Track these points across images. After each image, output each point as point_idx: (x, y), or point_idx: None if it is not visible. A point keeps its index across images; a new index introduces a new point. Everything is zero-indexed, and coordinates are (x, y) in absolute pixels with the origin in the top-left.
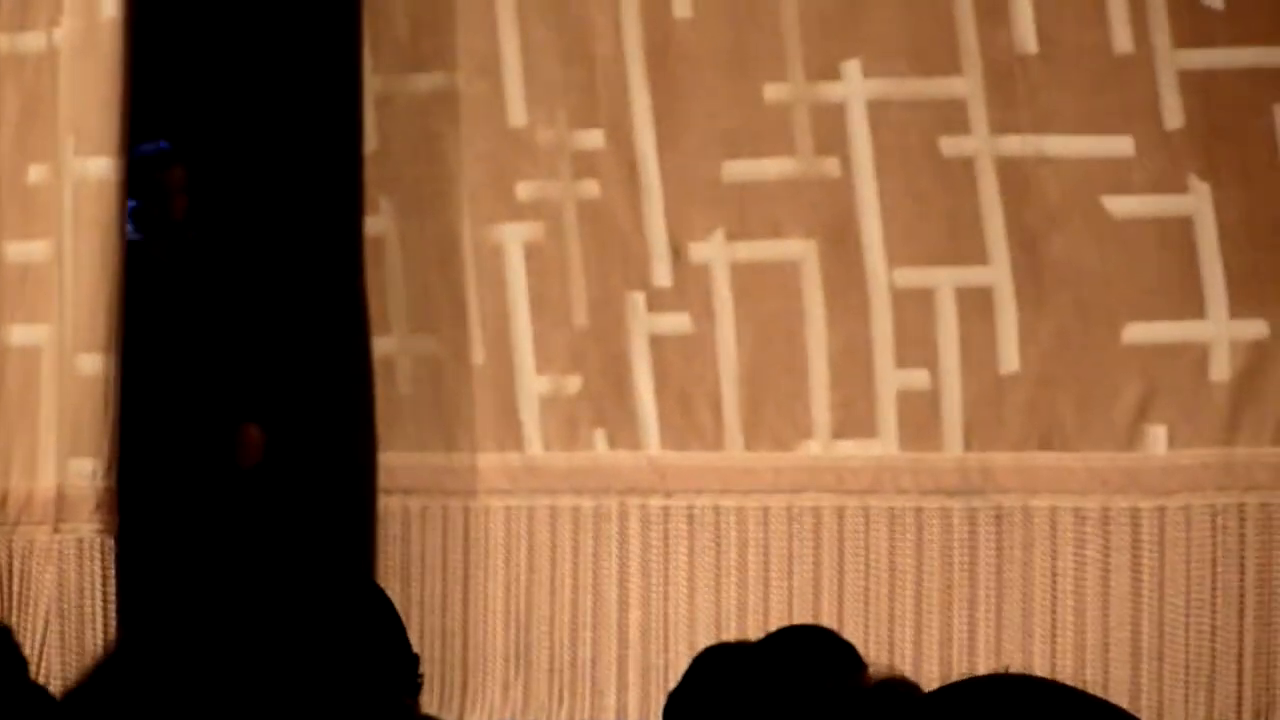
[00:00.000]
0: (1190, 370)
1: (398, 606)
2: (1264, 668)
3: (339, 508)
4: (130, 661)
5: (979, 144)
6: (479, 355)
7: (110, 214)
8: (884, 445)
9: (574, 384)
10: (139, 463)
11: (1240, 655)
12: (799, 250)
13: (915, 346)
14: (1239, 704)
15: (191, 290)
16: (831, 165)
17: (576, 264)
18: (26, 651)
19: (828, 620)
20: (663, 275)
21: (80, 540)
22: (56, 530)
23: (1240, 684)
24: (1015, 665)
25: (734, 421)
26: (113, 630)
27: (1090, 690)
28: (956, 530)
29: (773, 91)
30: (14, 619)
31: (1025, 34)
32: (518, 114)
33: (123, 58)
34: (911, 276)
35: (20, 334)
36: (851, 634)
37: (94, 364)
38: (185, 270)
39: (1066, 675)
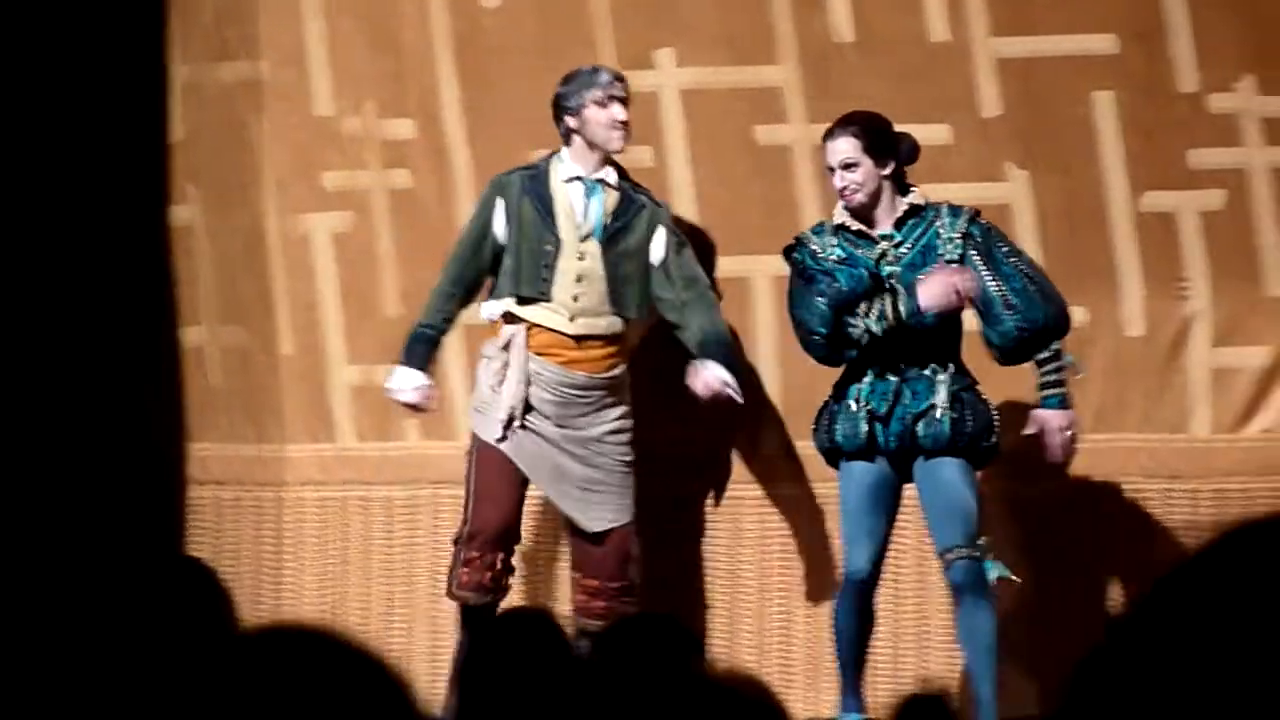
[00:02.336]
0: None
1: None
2: None
3: (148, 498)
4: None
5: (795, 132)
6: (288, 345)
7: None
8: None
9: (385, 374)
10: None
11: None
12: None
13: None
14: None
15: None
16: (645, 154)
17: (387, 254)
18: None
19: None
20: None
21: None
22: None
23: None
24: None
25: None
26: None
27: None
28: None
29: None
30: None
31: (841, 22)
32: (324, 103)
33: None
34: (728, 265)
35: None
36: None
37: None
38: None
39: None
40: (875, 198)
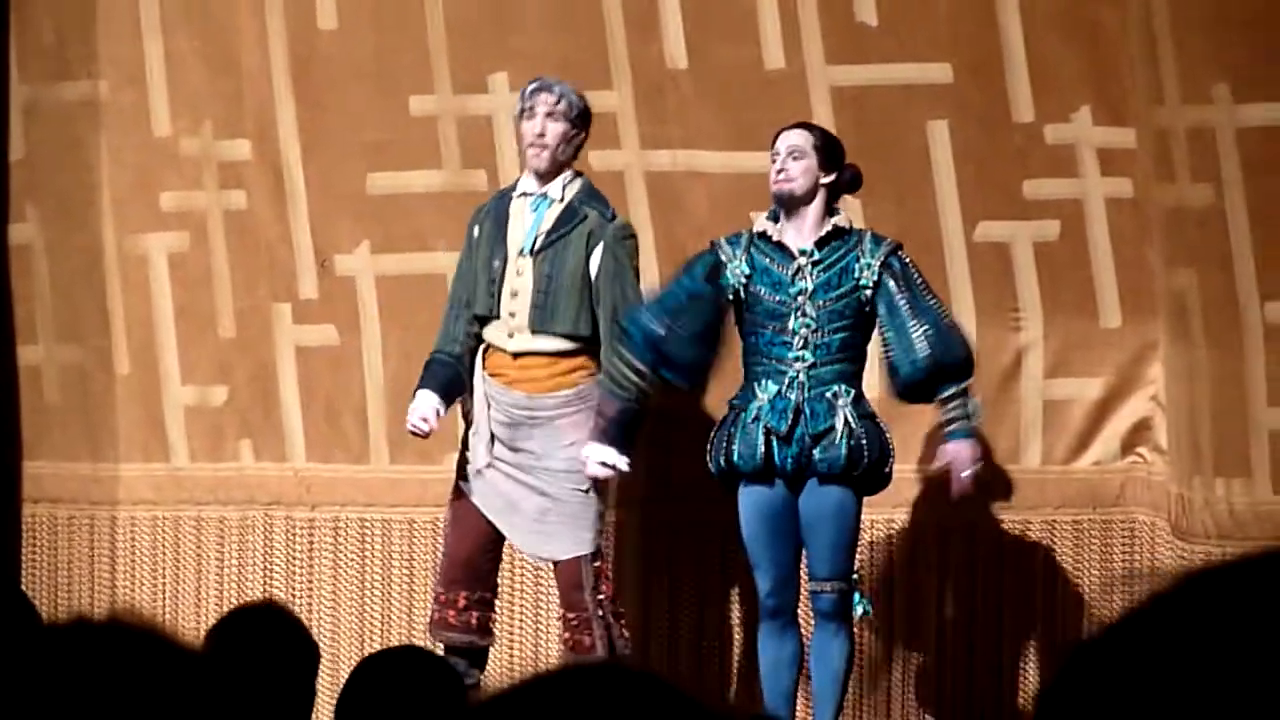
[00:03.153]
0: None
1: (44, 615)
2: None
3: None
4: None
5: (629, 158)
6: (124, 365)
7: None
8: None
9: (220, 395)
10: None
11: None
12: (446, 263)
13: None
14: None
15: None
16: (478, 178)
17: (222, 274)
18: None
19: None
20: (309, 287)
21: None
22: None
23: None
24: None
25: (379, 434)
26: None
27: None
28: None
29: (419, 104)
30: None
31: (676, 49)
32: (162, 123)
33: None
34: None
35: None
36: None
37: None
38: None
39: None
40: (807, 199)
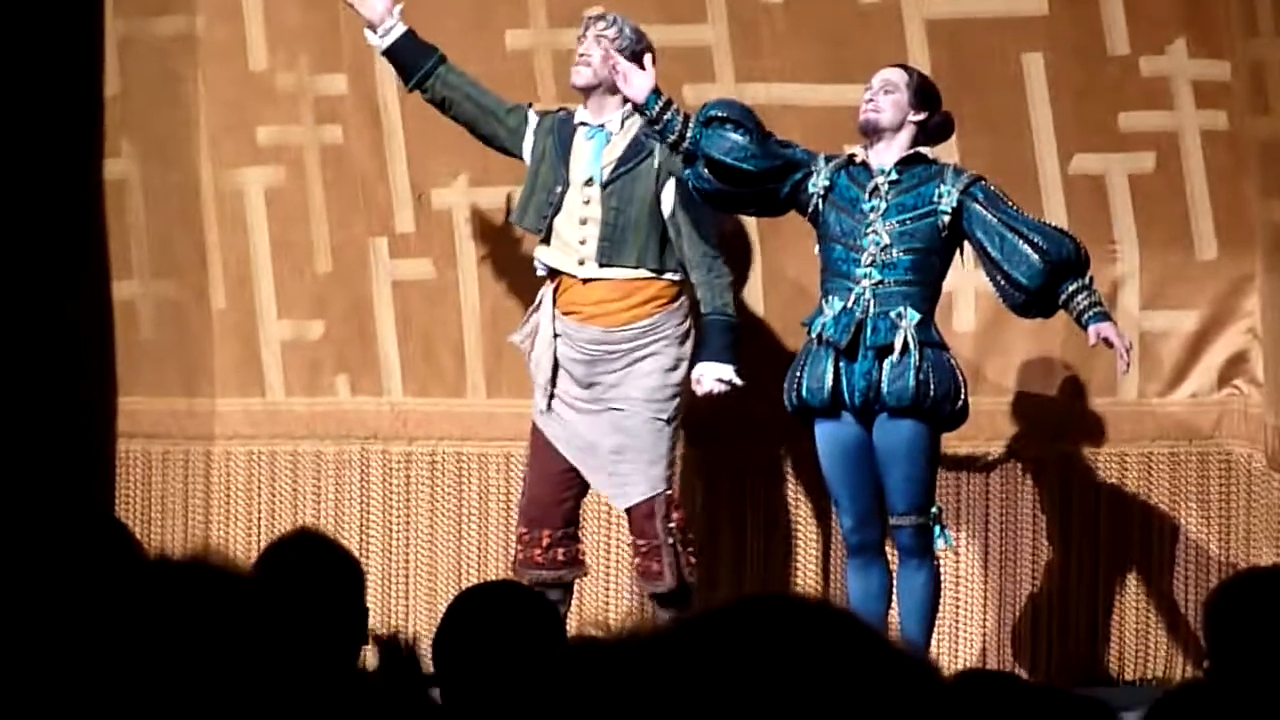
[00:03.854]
0: (937, 319)
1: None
2: None
3: (78, 452)
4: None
5: (724, 91)
6: (220, 300)
7: None
8: None
9: (316, 329)
10: None
11: None
12: None
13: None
14: None
15: None
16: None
17: (319, 209)
18: None
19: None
20: (405, 221)
21: None
22: None
23: None
24: None
25: (476, 368)
26: None
27: None
28: None
29: (515, 38)
30: None
31: None
32: (259, 58)
33: None
34: None
35: None
36: (592, 579)
37: None
38: None
39: None
40: (894, 131)
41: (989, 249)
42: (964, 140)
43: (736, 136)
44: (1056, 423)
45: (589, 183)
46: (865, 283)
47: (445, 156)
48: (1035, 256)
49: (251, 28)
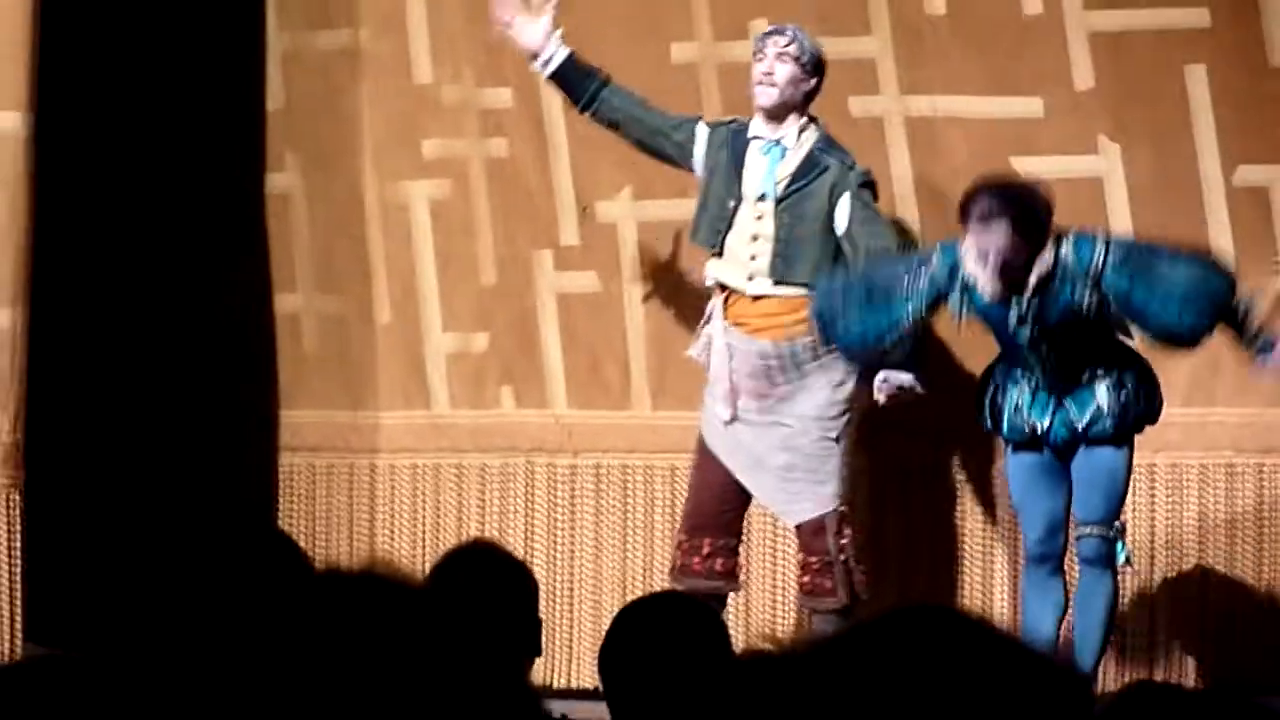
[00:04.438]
0: None
1: None
2: None
3: (242, 465)
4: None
5: (888, 104)
6: (385, 313)
7: (19, 168)
8: None
9: (481, 342)
10: (47, 417)
11: None
12: None
13: None
14: None
15: (100, 245)
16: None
17: (484, 222)
18: None
19: None
20: (570, 233)
21: None
22: None
23: None
24: None
25: (641, 380)
26: (19, 585)
27: None
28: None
29: (680, 51)
30: None
31: None
32: (423, 71)
33: (31, 11)
34: None
35: None
36: (758, 592)
37: (2, 318)
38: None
39: None
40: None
41: (1136, 315)
42: (1128, 151)
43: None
44: (1222, 433)
45: (762, 198)
46: (1046, 364)
47: (610, 169)
48: (1193, 311)
49: (416, 40)
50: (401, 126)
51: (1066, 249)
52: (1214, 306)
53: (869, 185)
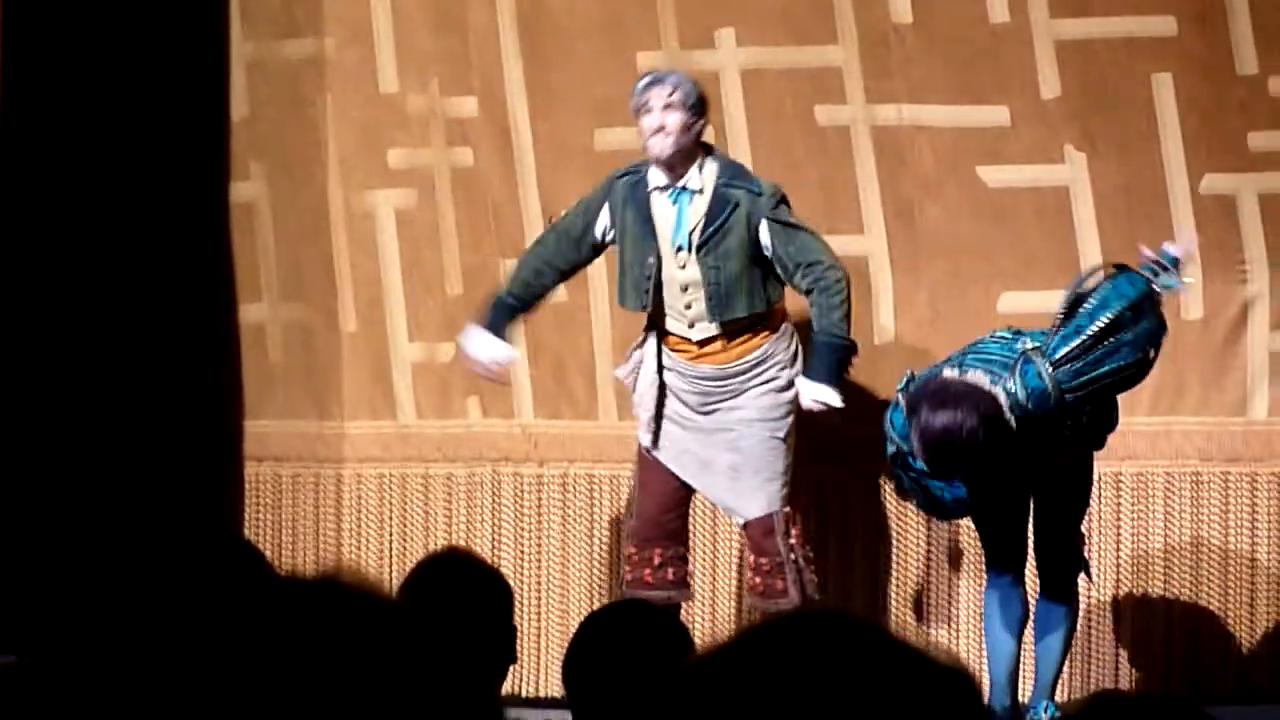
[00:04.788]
0: None
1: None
2: None
3: (206, 475)
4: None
5: (854, 112)
6: (351, 323)
7: None
8: None
9: (447, 351)
10: (8, 424)
11: None
12: None
13: None
14: None
15: (64, 253)
16: (706, 135)
17: (450, 231)
18: None
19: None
20: None
21: None
22: None
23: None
24: None
25: (607, 391)
26: None
27: None
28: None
29: (646, 59)
30: None
31: (901, 3)
32: (389, 80)
33: None
34: None
35: None
36: (724, 604)
37: None
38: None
39: None
40: None
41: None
42: (1094, 160)
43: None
44: (1187, 442)
45: (679, 249)
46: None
47: (576, 179)
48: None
49: (382, 50)
50: (367, 136)
51: (1016, 388)
52: (1151, 330)
53: (782, 202)
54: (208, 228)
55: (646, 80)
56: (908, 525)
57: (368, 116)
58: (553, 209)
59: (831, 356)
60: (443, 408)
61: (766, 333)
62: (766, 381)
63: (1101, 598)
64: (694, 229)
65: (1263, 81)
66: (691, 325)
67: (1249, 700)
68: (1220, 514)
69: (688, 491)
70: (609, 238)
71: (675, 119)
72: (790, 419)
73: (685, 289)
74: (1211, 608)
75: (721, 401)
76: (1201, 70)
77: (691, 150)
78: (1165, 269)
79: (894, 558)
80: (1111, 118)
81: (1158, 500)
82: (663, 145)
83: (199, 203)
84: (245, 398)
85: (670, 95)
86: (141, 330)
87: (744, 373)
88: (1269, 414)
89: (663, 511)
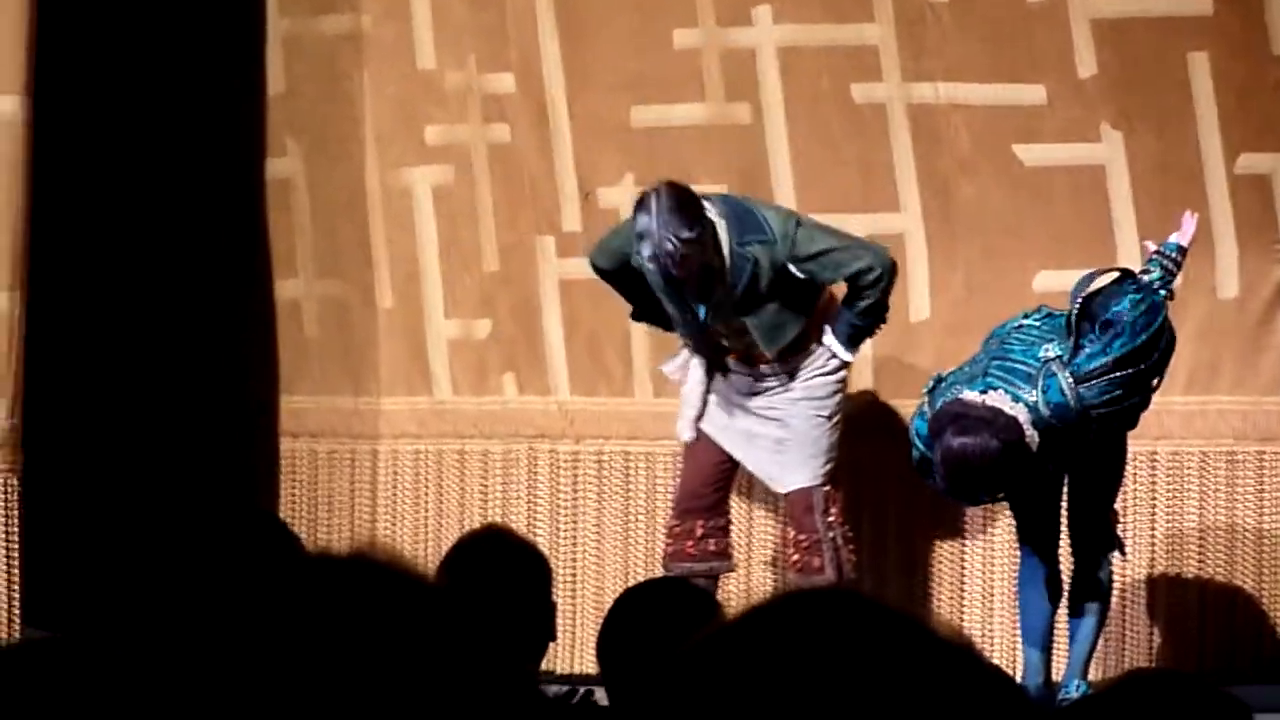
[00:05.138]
0: None
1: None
2: None
3: (242, 450)
4: None
5: (891, 91)
6: (387, 299)
7: (18, 152)
8: None
9: (483, 328)
10: (47, 403)
11: None
12: None
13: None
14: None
15: (100, 231)
16: (742, 111)
17: (486, 207)
18: None
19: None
20: (573, 219)
21: None
22: None
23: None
24: None
25: (642, 367)
26: (18, 569)
27: None
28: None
29: (683, 37)
30: None
31: None
32: (426, 57)
33: None
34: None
35: None
36: (759, 576)
37: (1, 302)
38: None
39: None
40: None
41: None
42: (1130, 139)
43: None
44: (1222, 421)
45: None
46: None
47: (612, 155)
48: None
49: (419, 26)
50: (404, 112)
51: (1039, 401)
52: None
53: (795, 234)
54: (244, 204)
55: (655, 255)
56: (942, 503)
57: (404, 93)
58: (589, 185)
59: (847, 329)
60: (479, 384)
61: (808, 339)
62: (811, 365)
63: (1136, 576)
64: (717, 303)
65: None
66: (746, 350)
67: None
68: (1255, 493)
69: (731, 466)
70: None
71: (690, 265)
72: (837, 398)
73: (726, 336)
74: (1246, 587)
75: (769, 392)
76: (1237, 50)
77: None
78: (1173, 265)
79: (929, 537)
80: (1147, 97)
81: (1192, 479)
82: (682, 275)
83: (236, 179)
84: (281, 374)
85: (679, 258)
86: (179, 307)
87: (790, 371)
88: None
89: (704, 484)
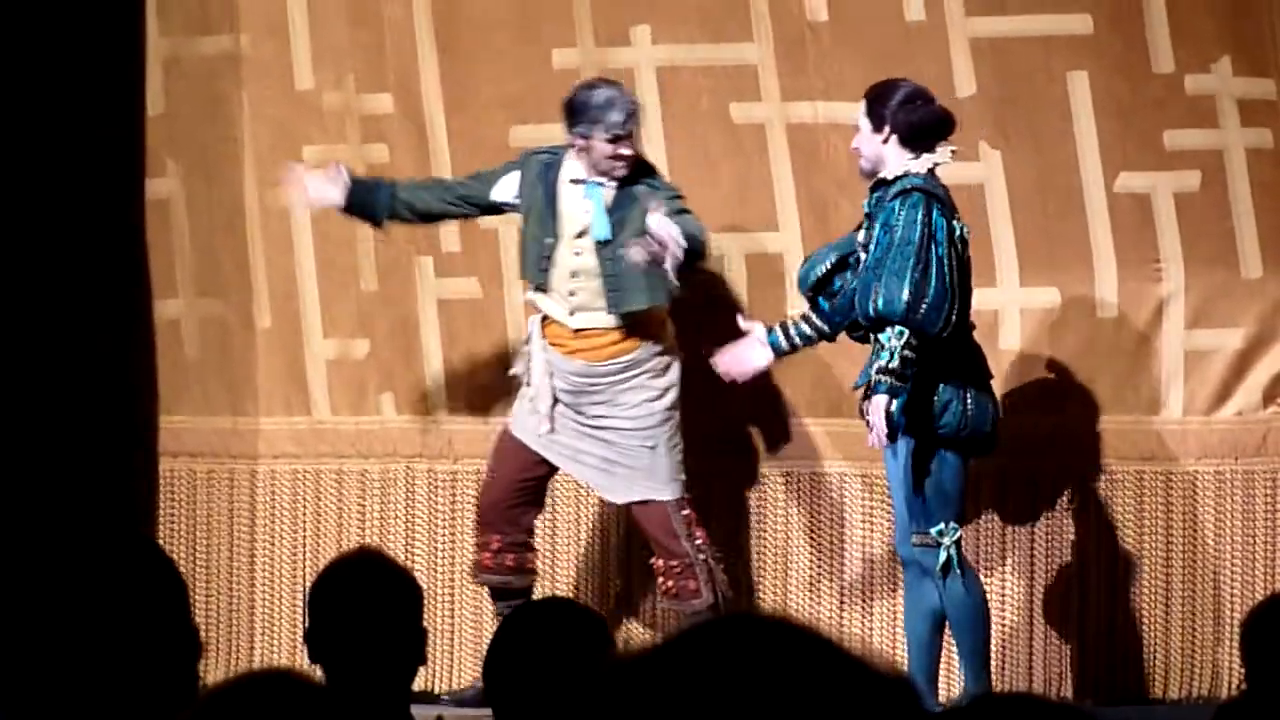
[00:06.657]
0: (981, 337)
1: (185, 572)
2: None
3: (120, 470)
4: None
5: (770, 110)
6: (265, 318)
7: None
8: None
9: (361, 347)
10: None
11: None
12: None
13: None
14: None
15: None
16: None
17: (365, 228)
18: None
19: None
20: (452, 239)
21: None
22: None
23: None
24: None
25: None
26: None
27: None
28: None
29: (562, 57)
30: None
31: (817, 1)
32: (305, 77)
33: None
34: None
35: None
36: (643, 599)
37: None
38: None
39: None
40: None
41: None
42: (1009, 158)
43: None
44: (1101, 441)
45: (580, 235)
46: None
47: None
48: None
49: (298, 47)
50: (283, 132)
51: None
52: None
53: (678, 198)
54: (123, 223)
55: (631, 109)
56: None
57: (283, 113)
58: None
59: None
60: (357, 404)
61: (637, 339)
62: (635, 390)
63: (1018, 597)
64: (596, 222)
65: (1179, 80)
66: (572, 313)
67: (1157, 702)
68: (1134, 514)
69: (539, 480)
70: (511, 202)
71: (634, 150)
72: (665, 425)
73: (574, 275)
74: (1129, 607)
75: (593, 404)
76: (1118, 68)
77: None
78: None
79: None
80: (1027, 115)
81: (1072, 499)
82: (623, 172)
83: (114, 199)
84: (160, 394)
85: (639, 128)
86: (56, 326)
87: (614, 374)
88: (1183, 413)
89: (504, 497)
